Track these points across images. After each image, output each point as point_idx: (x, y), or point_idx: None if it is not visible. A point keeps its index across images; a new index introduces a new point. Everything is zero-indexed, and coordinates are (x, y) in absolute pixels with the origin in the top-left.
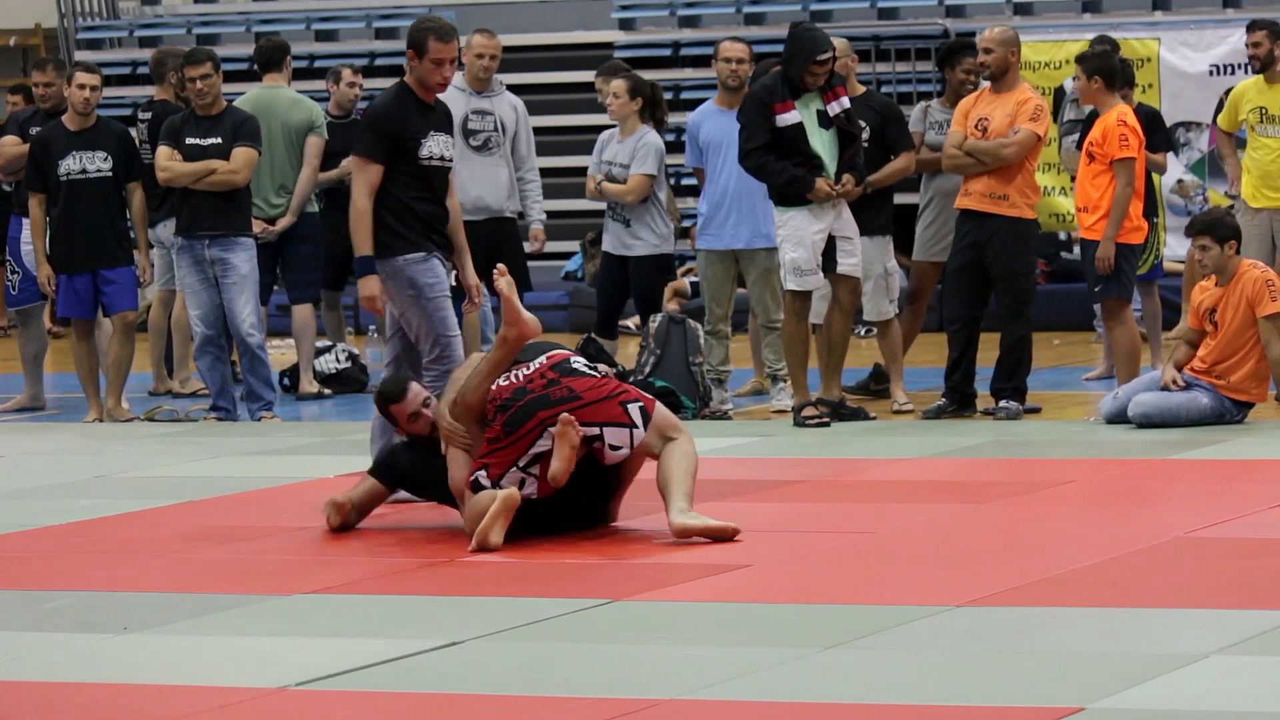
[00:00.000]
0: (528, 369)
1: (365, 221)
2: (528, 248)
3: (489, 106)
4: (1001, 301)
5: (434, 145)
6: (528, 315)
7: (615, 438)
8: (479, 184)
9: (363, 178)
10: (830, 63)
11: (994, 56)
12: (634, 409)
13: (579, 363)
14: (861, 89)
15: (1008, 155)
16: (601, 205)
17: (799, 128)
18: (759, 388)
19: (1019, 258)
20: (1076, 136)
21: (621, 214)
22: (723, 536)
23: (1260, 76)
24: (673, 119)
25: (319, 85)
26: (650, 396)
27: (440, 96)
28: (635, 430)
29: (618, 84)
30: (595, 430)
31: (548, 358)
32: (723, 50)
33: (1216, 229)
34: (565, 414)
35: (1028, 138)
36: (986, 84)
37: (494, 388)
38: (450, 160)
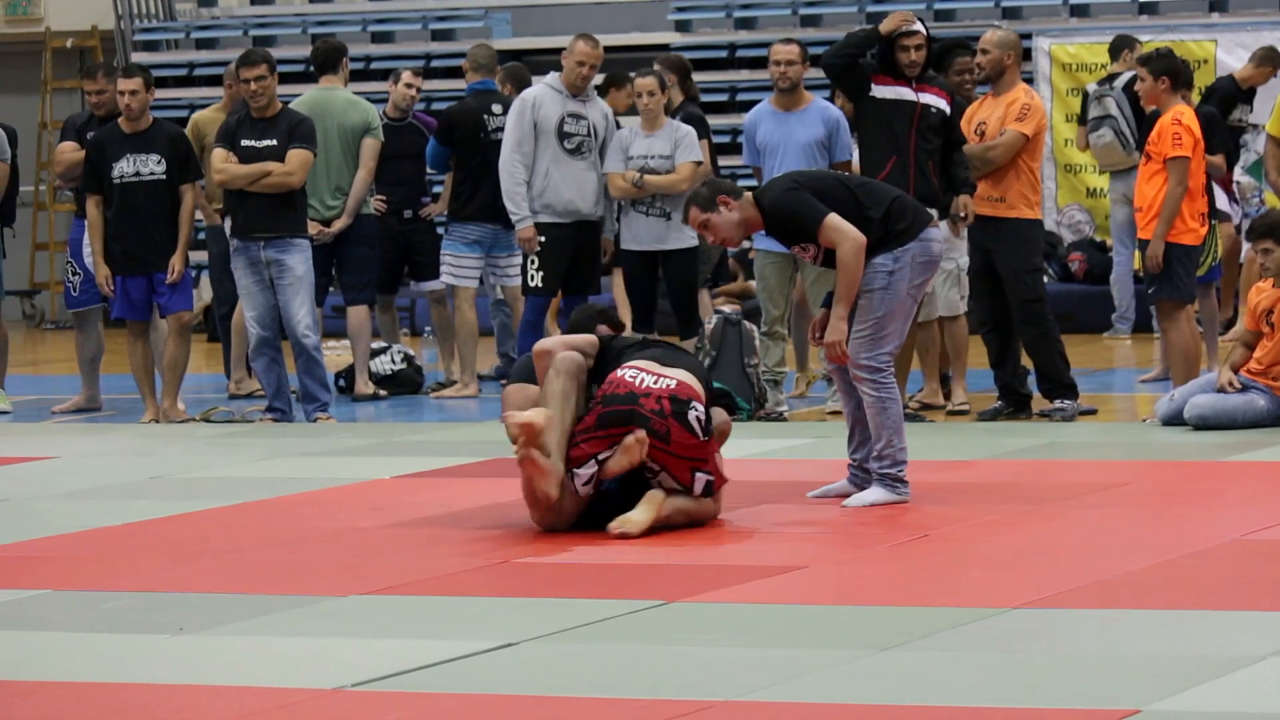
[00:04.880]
0: (655, 381)
1: None
2: None
3: (583, 111)
4: (1012, 302)
5: None
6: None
7: (671, 486)
8: (570, 187)
9: None
10: (919, 36)
11: (988, 58)
12: (700, 480)
13: (695, 414)
14: None
15: (994, 158)
16: None
17: (896, 105)
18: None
19: (1022, 258)
20: (1105, 131)
21: (661, 207)
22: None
23: None
24: (728, 120)
25: (375, 87)
26: (724, 477)
27: (534, 94)
28: (690, 492)
29: (645, 82)
30: (656, 468)
31: (678, 385)
32: (772, 52)
33: (1278, 231)
34: (641, 434)
35: (1013, 139)
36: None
37: (615, 374)
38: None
